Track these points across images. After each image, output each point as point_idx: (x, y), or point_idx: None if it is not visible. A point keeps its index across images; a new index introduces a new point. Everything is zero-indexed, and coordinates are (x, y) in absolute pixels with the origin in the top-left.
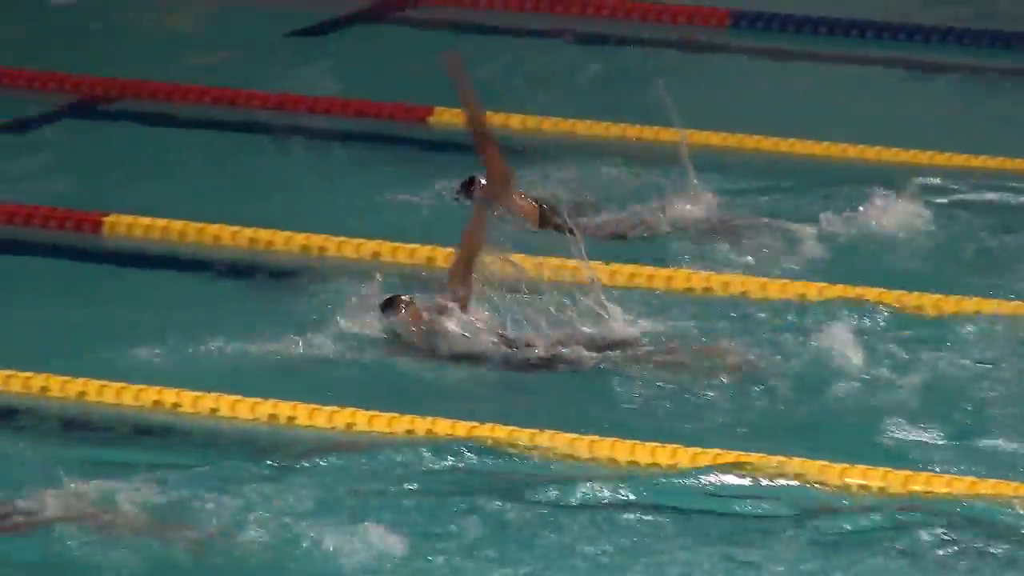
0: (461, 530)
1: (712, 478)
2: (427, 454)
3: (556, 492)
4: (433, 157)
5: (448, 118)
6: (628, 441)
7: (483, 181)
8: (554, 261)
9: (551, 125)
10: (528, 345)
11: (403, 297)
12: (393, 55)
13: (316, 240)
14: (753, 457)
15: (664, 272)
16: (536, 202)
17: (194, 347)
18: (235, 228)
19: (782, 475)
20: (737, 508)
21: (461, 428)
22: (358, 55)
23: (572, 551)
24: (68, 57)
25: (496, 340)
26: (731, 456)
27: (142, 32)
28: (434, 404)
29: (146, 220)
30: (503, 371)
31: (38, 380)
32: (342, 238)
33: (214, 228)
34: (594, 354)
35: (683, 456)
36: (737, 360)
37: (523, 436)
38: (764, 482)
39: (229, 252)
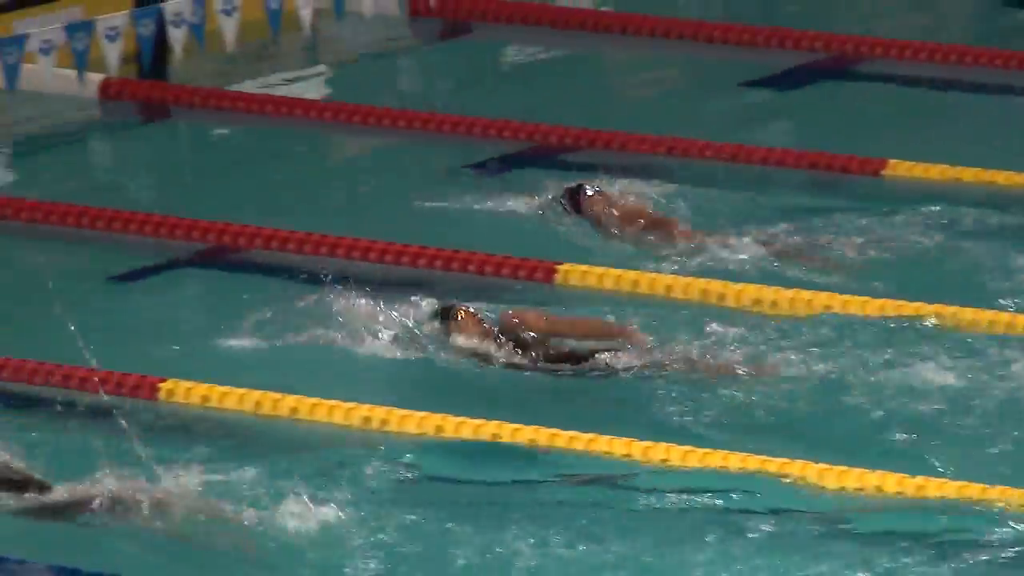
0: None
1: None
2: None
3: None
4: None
5: (902, 171)
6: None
7: (589, 192)
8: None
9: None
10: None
11: (460, 306)
12: (847, 107)
13: None
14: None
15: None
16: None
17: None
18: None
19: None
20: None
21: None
22: (814, 106)
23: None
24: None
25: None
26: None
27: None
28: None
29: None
30: (551, 376)
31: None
32: None
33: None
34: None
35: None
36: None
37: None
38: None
39: None
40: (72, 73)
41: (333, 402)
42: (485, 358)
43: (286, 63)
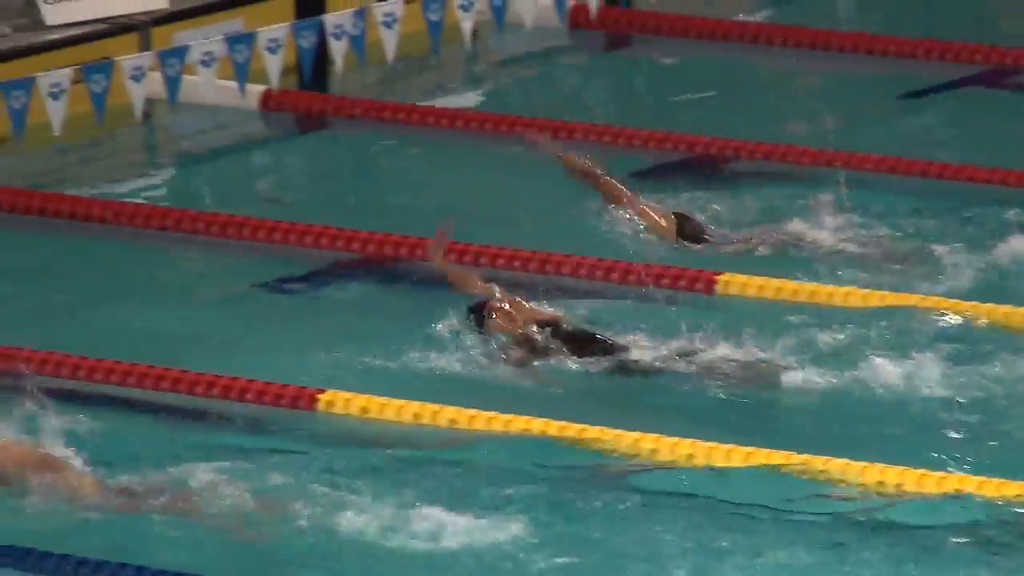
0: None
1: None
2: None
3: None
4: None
5: None
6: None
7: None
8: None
9: None
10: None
11: (493, 302)
12: (1007, 119)
13: None
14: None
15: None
16: (674, 215)
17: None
18: None
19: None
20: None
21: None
22: (973, 118)
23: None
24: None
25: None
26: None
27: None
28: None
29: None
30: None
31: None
32: None
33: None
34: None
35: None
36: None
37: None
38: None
39: None
40: (233, 85)
41: (491, 413)
42: (526, 349)
43: (446, 74)
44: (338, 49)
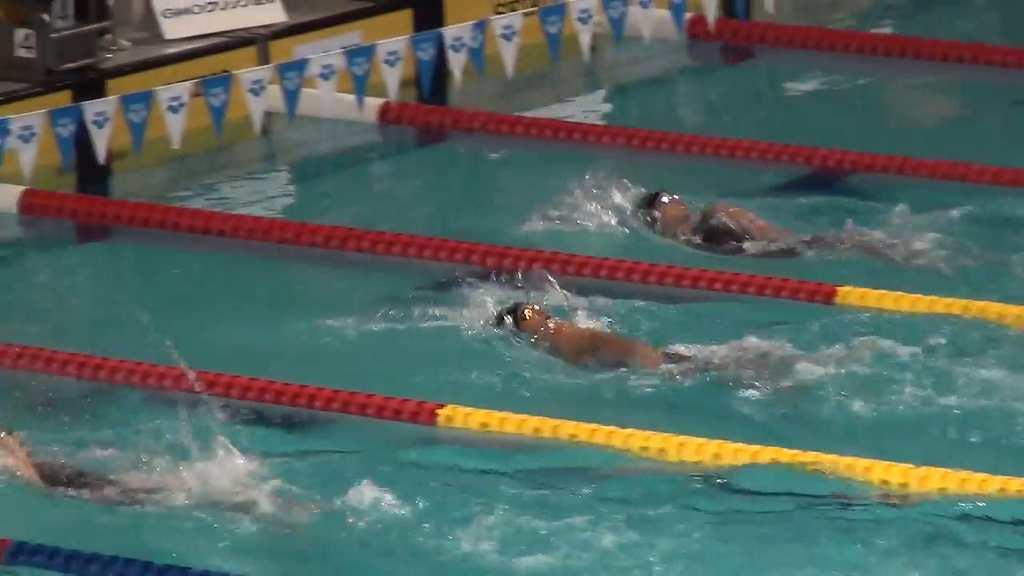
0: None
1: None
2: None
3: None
4: None
5: None
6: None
7: (665, 199)
8: None
9: None
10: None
11: (527, 305)
12: None
13: None
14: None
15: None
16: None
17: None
18: None
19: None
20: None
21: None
22: None
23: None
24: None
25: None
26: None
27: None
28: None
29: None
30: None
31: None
32: None
33: None
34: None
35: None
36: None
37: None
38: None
39: None
40: (351, 98)
41: (611, 427)
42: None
43: (564, 87)
44: (457, 62)
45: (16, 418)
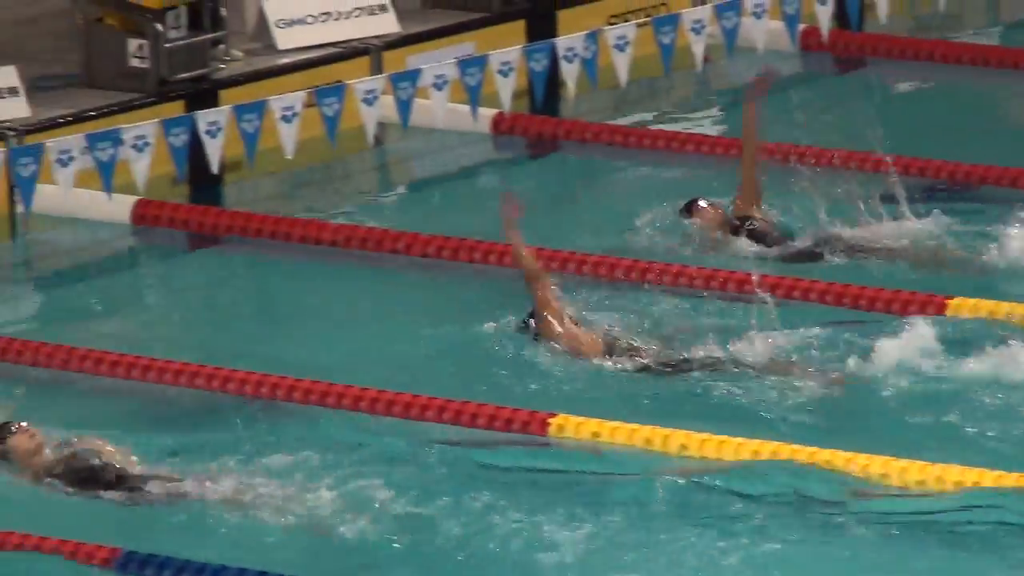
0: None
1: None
2: None
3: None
4: None
5: None
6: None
7: (702, 204)
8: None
9: None
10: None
11: (544, 313)
12: None
13: None
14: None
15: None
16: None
17: None
18: None
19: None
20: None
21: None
22: None
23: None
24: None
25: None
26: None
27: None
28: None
29: None
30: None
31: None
32: None
33: None
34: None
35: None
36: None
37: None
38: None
39: None
40: (464, 108)
41: (722, 437)
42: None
43: (677, 98)
44: (570, 72)
45: (129, 426)
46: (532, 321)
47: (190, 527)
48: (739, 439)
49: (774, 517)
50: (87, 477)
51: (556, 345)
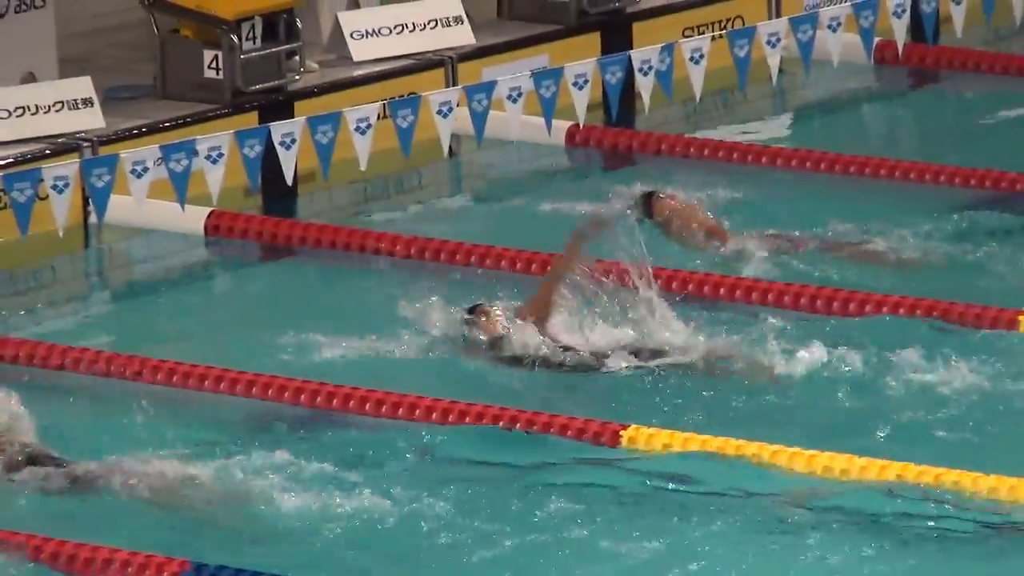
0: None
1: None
2: None
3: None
4: None
5: None
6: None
7: (661, 196)
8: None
9: None
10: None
11: (485, 307)
12: None
13: None
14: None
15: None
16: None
17: None
18: None
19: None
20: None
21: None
22: None
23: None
24: None
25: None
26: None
27: None
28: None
29: None
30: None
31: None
32: None
33: None
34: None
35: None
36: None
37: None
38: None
39: None
40: (539, 120)
41: (794, 449)
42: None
43: (752, 110)
44: (645, 85)
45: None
46: (473, 317)
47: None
48: (811, 451)
49: (842, 530)
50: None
51: (483, 338)
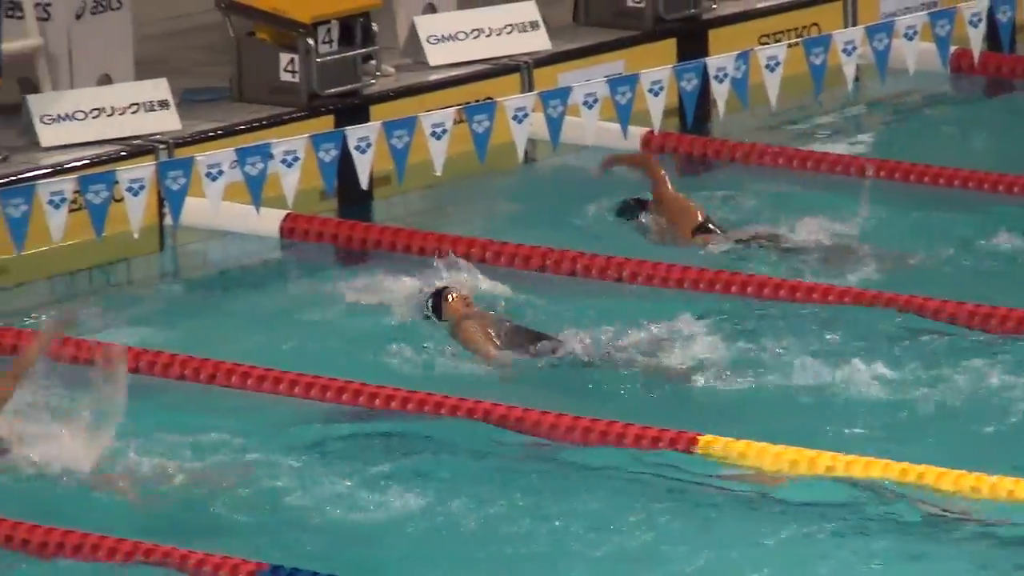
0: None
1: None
2: None
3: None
4: None
5: None
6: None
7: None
8: None
9: None
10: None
11: (452, 290)
12: None
13: None
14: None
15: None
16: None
17: None
18: None
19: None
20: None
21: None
22: None
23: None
24: None
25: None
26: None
27: None
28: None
29: None
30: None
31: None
32: None
33: None
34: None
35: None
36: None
37: None
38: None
39: None
40: (614, 126)
41: (868, 458)
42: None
43: (827, 118)
44: (720, 92)
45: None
46: (431, 303)
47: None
48: (885, 460)
49: (902, 537)
50: None
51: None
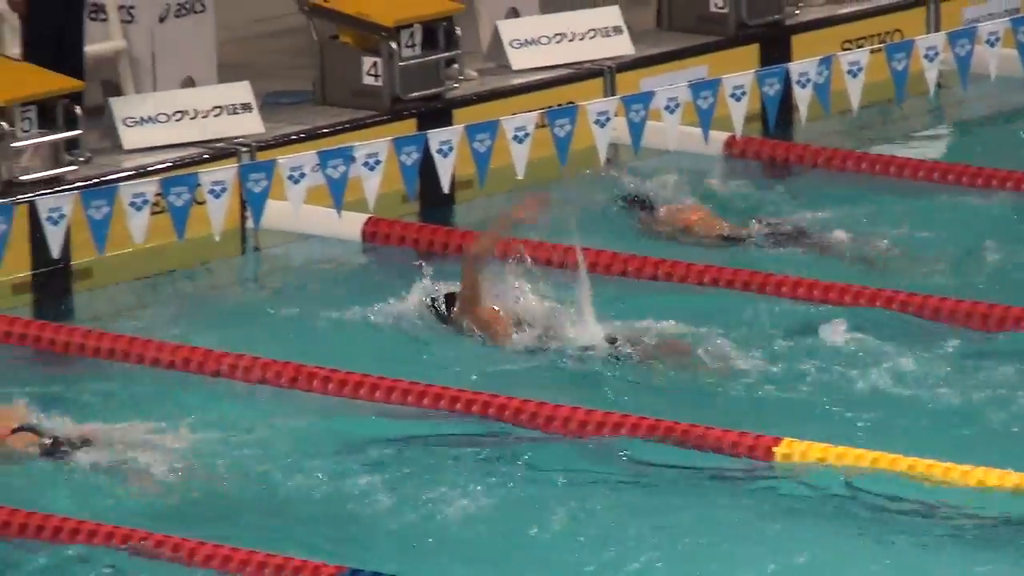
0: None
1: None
2: None
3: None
4: None
5: None
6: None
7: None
8: None
9: None
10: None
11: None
12: None
13: None
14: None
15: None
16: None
17: None
18: None
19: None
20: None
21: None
22: None
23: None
24: None
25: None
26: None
27: None
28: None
29: None
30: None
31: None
32: None
33: None
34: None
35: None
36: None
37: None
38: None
39: None
40: (696, 131)
41: (948, 464)
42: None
43: (909, 124)
44: (802, 97)
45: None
46: (443, 303)
47: None
48: (965, 466)
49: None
50: None
51: (472, 327)
